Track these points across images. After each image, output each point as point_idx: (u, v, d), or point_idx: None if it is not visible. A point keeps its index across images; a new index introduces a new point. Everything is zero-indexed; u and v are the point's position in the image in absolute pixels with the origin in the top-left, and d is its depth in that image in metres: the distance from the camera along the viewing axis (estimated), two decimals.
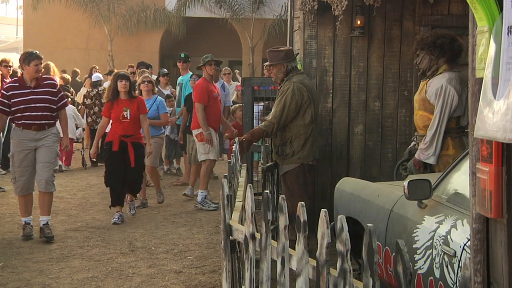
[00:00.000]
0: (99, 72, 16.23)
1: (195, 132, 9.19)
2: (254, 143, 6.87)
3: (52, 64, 14.61)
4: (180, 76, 11.68)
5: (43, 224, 7.47)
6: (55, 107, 7.55)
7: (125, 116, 8.35)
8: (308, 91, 6.44)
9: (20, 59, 7.72)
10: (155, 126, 9.71)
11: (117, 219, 8.26)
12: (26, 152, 7.39)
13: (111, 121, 8.54)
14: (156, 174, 9.78)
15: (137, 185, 8.69)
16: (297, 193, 6.38)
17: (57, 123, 7.69)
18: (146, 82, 9.92)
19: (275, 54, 6.63)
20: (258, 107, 9.33)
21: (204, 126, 8.96)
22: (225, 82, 11.42)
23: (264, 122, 6.56)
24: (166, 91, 12.32)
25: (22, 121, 7.38)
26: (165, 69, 13.74)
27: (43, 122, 7.46)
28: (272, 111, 6.53)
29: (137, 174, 8.53)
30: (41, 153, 7.43)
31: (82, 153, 13.17)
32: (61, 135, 7.91)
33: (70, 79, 15.92)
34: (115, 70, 15.79)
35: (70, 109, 13.41)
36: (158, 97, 10.17)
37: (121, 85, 8.41)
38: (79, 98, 15.63)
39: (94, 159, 9.90)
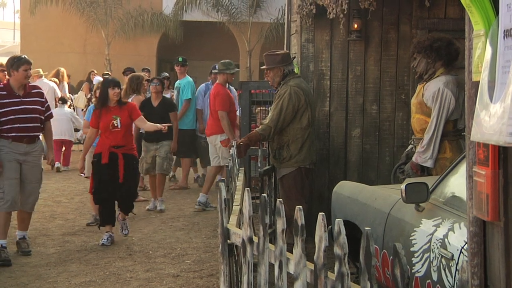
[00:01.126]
0: (98, 76, 16.25)
1: (215, 137, 9.35)
2: (251, 147, 6.88)
3: (62, 70, 14.64)
4: (178, 80, 11.67)
5: (19, 238, 7.00)
6: (43, 118, 7.02)
7: (115, 125, 7.48)
8: (305, 95, 6.46)
9: (7, 64, 6.99)
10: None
11: (105, 241, 7.36)
12: (15, 164, 6.75)
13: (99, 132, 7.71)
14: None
15: (130, 202, 7.73)
16: (294, 197, 6.40)
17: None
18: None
19: (271, 57, 6.66)
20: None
21: (231, 133, 9.15)
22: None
23: (262, 125, 6.57)
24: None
25: (13, 134, 6.72)
26: (166, 73, 13.72)
27: (34, 134, 6.92)
28: (269, 114, 6.55)
29: (129, 190, 7.64)
30: (29, 171, 6.88)
31: None
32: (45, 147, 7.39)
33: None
34: (110, 74, 15.85)
35: (68, 112, 13.44)
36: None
37: (113, 93, 7.54)
38: (76, 102, 15.64)
39: (82, 174, 8.88)
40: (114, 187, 7.44)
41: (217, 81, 9.59)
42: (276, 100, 6.50)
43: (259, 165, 6.75)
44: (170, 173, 10.02)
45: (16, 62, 6.82)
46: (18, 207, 6.87)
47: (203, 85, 11.48)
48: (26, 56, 7.03)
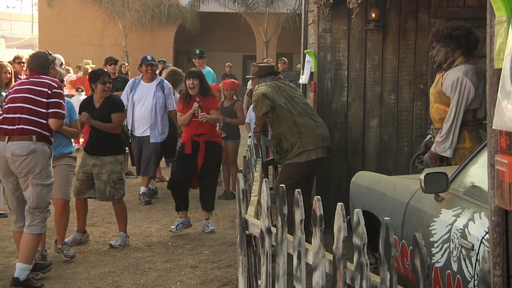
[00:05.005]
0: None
1: None
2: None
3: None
4: None
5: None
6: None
7: (196, 114, 7.42)
8: (277, 87, 6.72)
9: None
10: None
11: (174, 228, 7.51)
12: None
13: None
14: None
15: (209, 197, 7.76)
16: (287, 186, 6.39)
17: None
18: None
19: (252, 68, 7.09)
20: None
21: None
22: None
23: (253, 109, 6.87)
24: None
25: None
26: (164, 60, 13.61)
27: None
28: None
29: (208, 179, 7.66)
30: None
31: None
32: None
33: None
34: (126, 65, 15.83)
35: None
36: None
37: (188, 83, 7.52)
38: None
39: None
40: (191, 175, 7.55)
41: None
42: None
43: (260, 155, 6.82)
44: (121, 198, 7.04)
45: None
46: None
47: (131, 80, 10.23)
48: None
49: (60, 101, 5.70)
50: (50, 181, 5.67)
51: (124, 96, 9.31)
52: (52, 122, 5.61)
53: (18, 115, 5.55)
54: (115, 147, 6.96)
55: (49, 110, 5.61)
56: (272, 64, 7.19)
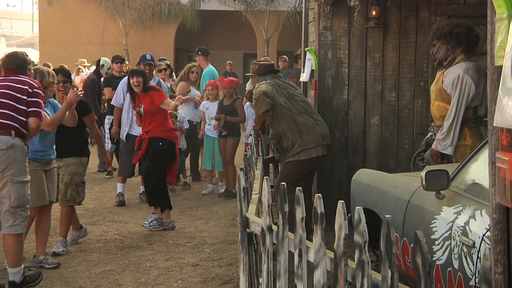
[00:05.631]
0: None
1: None
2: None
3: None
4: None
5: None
6: None
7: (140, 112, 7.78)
8: (277, 85, 6.70)
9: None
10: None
11: (146, 223, 7.65)
12: None
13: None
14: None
15: (152, 192, 7.78)
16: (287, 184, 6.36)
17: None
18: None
19: (252, 66, 7.11)
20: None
21: None
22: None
23: (254, 107, 6.87)
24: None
25: None
26: (164, 58, 13.49)
27: None
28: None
29: (148, 173, 7.76)
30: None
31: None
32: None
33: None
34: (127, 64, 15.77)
35: None
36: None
37: (133, 81, 7.84)
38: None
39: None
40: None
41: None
42: None
43: (260, 154, 6.81)
44: (81, 202, 6.87)
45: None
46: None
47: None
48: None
49: (40, 101, 5.64)
50: (28, 177, 5.57)
51: (119, 95, 9.20)
52: (32, 121, 5.53)
53: None
54: (79, 148, 6.83)
55: (30, 109, 5.54)
56: (272, 62, 7.17)
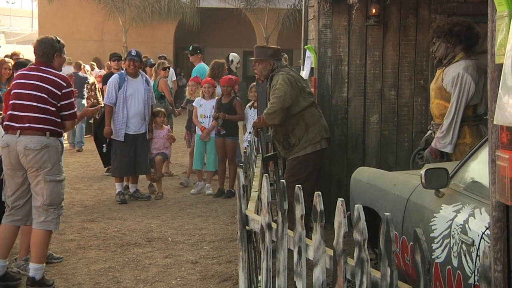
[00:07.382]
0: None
1: None
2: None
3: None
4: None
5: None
6: None
7: None
8: (296, 80, 6.52)
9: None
10: None
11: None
12: None
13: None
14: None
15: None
16: (295, 181, 6.32)
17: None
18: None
19: (263, 50, 6.81)
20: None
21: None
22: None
23: (266, 113, 6.52)
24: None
25: None
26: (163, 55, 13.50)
27: None
28: (269, 103, 6.50)
29: None
30: None
31: None
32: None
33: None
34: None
35: None
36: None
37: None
38: None
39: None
40: None
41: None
42: (273, 89, 6.49)
43: (260, 151, 6.77)
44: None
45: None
46: None
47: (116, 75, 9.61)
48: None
49: (72, 100, 5.64)
50: (63, 176, 5.61)
51: (111, 93, 9.02)
52: (68, 124, 5.64)
53: (26, 114, 5.45)
54: None
55: (64, 113, 5.57)
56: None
